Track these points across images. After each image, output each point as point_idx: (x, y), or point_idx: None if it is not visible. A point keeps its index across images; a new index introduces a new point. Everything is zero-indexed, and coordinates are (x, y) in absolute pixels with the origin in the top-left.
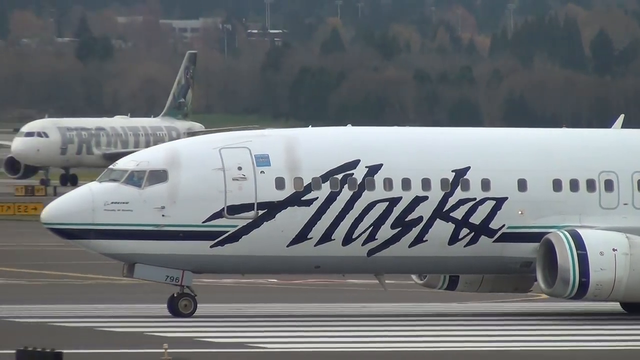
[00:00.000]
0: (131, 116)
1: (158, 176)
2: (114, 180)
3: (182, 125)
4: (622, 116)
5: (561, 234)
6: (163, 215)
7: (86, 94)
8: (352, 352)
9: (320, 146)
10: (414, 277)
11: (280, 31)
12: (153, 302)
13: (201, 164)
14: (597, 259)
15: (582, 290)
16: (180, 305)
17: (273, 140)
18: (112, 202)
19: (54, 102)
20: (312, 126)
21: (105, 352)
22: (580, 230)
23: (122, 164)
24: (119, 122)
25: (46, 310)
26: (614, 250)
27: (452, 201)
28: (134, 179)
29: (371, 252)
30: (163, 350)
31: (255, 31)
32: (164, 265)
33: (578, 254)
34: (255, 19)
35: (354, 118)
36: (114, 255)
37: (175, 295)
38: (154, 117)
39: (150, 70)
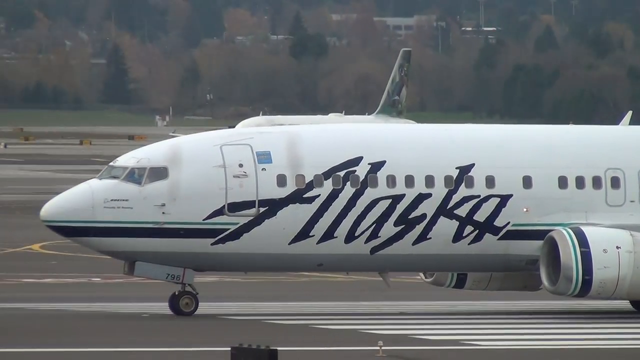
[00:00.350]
0: (345, 113)
1: (158, 173)
2: (114, 177)
3: (397, 122)
4: (629, 112)
5: (564, 232)
6: (163, 213)
7: (300, 92)
8: (568, 349)
9: (322, 143)
10: (421, 275)
11: (494, 29)
12: (366, 299)
13: (202, 161)
14: (601, 256)
15: (586, 288)
16: (182, 303)
17: (275, 137)
18: (111, 200)
19: (268, 100)
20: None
21: (319, 350)
22: (583, 228)
23: (122, 161)
24: (333, 120)
25: (261, 308)
26: (617, 247)
27: (456, 198)
28: (134, 176)
29: (374, 250)
30: (378, 348)
31: (469, 29)
32: (164, 263)
33: (581, 252)
34: (469, 17)
35: (568, 115)
36: (114, 253)
37: (176, 293)
38: (369, 114)
39: (365, 68)
